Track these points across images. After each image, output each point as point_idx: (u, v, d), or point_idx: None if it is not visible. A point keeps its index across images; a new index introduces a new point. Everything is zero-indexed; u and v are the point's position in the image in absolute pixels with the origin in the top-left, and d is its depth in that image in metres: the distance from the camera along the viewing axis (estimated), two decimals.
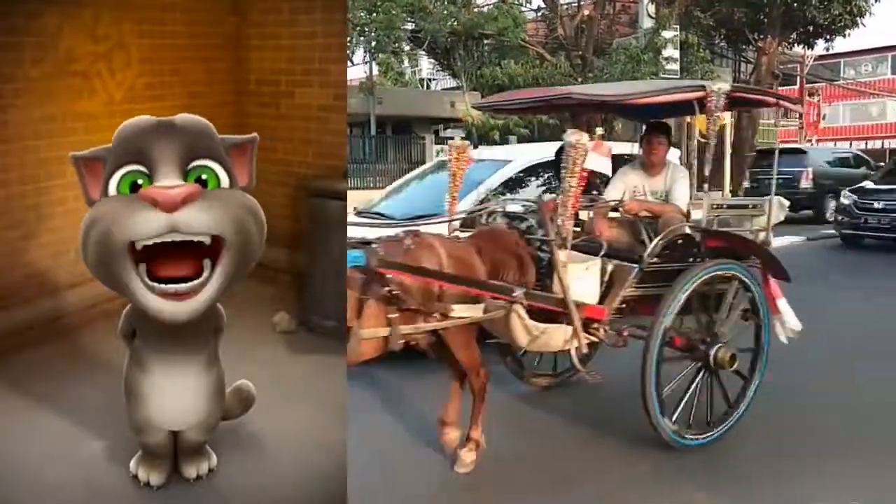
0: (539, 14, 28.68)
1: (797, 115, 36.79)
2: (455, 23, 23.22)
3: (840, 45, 31.07)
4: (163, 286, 3.56)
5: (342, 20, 6.97)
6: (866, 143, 39.14)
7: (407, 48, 25.54)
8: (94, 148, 3.78)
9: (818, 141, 37.49)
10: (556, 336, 5.33)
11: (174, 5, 6.77)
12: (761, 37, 27.79)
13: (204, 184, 3.72)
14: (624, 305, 5.60)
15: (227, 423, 4.59)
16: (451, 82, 31.75)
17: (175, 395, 4.07)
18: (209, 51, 7.21)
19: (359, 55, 24.79)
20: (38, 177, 5.84)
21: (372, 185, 24.88)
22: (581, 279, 5.41)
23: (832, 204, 20.82)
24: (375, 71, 27.82)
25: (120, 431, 4.37)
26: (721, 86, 5.60)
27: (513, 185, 8.84)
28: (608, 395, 6.26)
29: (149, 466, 4.25)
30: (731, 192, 28.61)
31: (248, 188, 3.94)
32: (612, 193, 6.38)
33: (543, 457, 5.58)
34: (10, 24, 5.41)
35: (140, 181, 3.64)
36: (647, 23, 24.90)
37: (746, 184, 23.15)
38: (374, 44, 23.19)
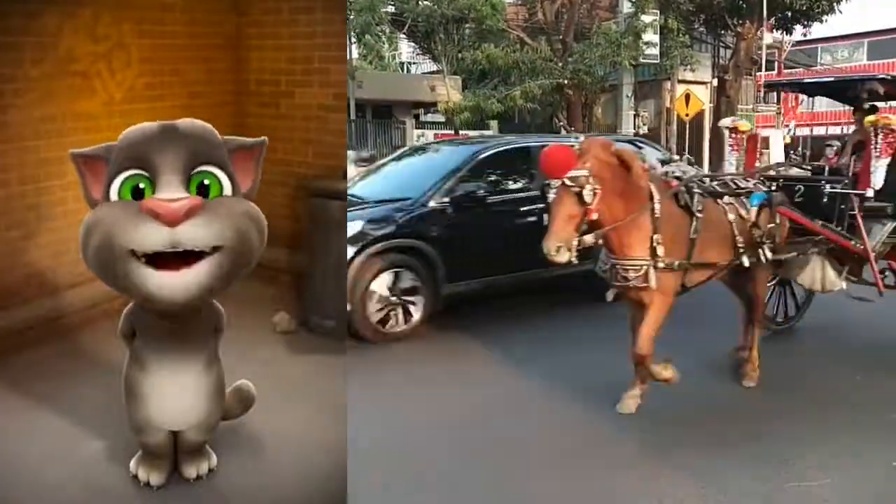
0: None
1: (775, 101, 36.95)
2: (444, 6, 23.17)
3: (817, 30, 31.18)
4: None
5: (342, 20, 6.96)
6: (842, 129, 39.19)
7: (387, 31, 25.37)
8: (94, 146, 3.79)
9: (796, 126, 37.52)
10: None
11: (174, 5, 6.73)
12: (740, 22, 27.87)
13: (206, 189, 3.73)
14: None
15: (227, 423, 4.58)
16: (432, 66, 31.65)
17: (175, 395, 4.06)
18: (209, 51, 7.17)
19: None
20: (38, 177, 5.80)
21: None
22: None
23: None
24: (355, 55, 27.67)
25: (120, 431, 4.35)
26: None
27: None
28: None
29: (149, 466, 4.24)
30: None
31: (250, 193, 3.95)
32: None
33: None
34: (10, 24, 5.36)
35: (142, 185, 3.64)
36: (628, 7, 24.93)
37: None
38: (356, 27, 23.07)
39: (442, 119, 25.83)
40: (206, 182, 3.74)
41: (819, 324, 8.14)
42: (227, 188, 3.81)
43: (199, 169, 3.73)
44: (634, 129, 27.89)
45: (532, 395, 6.29)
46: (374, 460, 5.00)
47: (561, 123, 26.16)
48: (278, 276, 6.88)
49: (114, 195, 3.66)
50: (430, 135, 26.40)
